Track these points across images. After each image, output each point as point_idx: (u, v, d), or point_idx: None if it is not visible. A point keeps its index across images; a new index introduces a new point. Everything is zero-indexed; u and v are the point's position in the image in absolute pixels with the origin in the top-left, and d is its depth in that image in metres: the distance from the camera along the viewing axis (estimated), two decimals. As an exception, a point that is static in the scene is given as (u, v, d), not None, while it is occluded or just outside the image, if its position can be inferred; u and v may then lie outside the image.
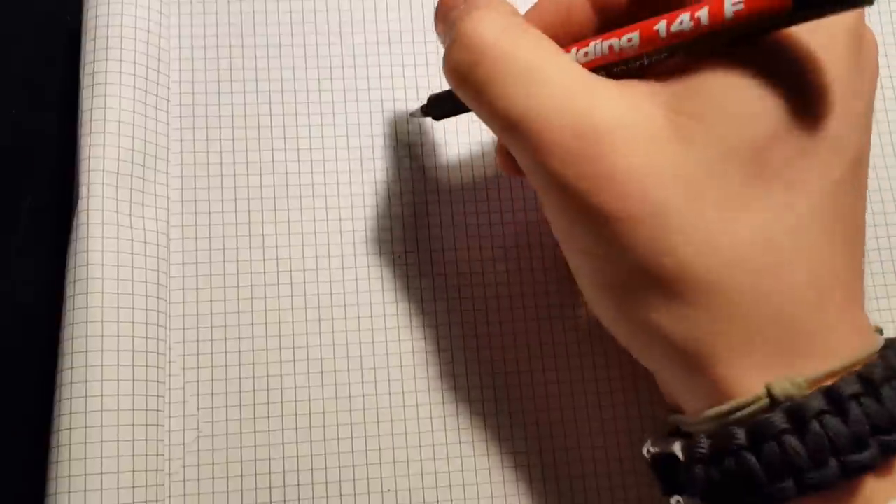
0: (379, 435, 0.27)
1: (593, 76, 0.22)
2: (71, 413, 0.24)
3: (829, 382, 0.20)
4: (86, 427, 0.24)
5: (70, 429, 0.24)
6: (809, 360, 0.20)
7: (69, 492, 0.24)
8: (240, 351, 0.27)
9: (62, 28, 0.31)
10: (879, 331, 0.22)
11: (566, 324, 0.29)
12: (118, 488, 0.24)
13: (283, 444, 0.26)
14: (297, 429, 0.27)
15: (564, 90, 0.21)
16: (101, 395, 0.25)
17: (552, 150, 0.21)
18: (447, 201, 0.30)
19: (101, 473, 0.24)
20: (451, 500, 0.27)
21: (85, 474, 0.24)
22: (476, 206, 0.30)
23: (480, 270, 0.29)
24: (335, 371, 0.27)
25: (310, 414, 0.27)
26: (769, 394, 0.20)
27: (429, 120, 0.30)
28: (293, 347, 0.27)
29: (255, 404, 0.27)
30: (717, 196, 0.20)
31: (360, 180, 0.29)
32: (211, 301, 0.28)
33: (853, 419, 0.19)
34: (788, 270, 0.20)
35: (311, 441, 0.27)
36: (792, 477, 0.19)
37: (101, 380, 0.25)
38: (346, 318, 0.28)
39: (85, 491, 0.24)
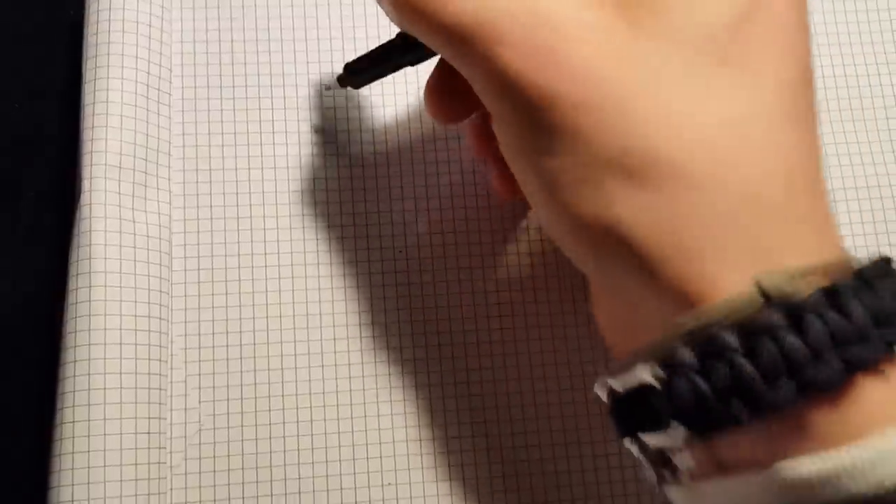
0: (379, 429, 0.27)
1: None
2: (74, 406, 0.25)
3: (815, 279, 0.18)
4: (88, 420, 0.24)
5: (73, 422, 0.24)
6: (789, 254, 0.19)
7: (72, 484, 0.24)
8: (241, 344, 0.27)
9: (65, 22, 0.31)
10: None
11: (564, 307, 0.29)
12: (121, 480, 0.24)
13: (283, 436, 0.27)
14: (297, 422, 0.27)
15: None
16: (104, 388, 0.25)
17: (508, 48, 0.20)
18: (447, 196, 0.30)
19: (104, 466, 0.24)
20: (451, 494, 0.27)
21: (88, 467, 0.24)
22: (475, 189, 0.30)
23: (493, 264, 0.29)
24: (335, 365, 0.27)
25: (310, 407, 0.27)
26: (761, 291, 0.18)
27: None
28: (294, 341, 0.28)
29: (256, 397, 0.27)
30: (680, 82, 0.20)
31: (360, 175, 0.30)
32: (212, 294, 0.28)
33: (856, 315, 0.17)
34: (760, 157, 0.19)
35: (311, 434, 0.27)
36: (792, 377, 0.17)
37: (104, 373, 0.25)
38: (346, 313, 0.28)
39: (88, 483, 0.24)
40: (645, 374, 0.19)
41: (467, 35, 0.21)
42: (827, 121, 0.32)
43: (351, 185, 0.29)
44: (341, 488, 0.26)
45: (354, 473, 0.27)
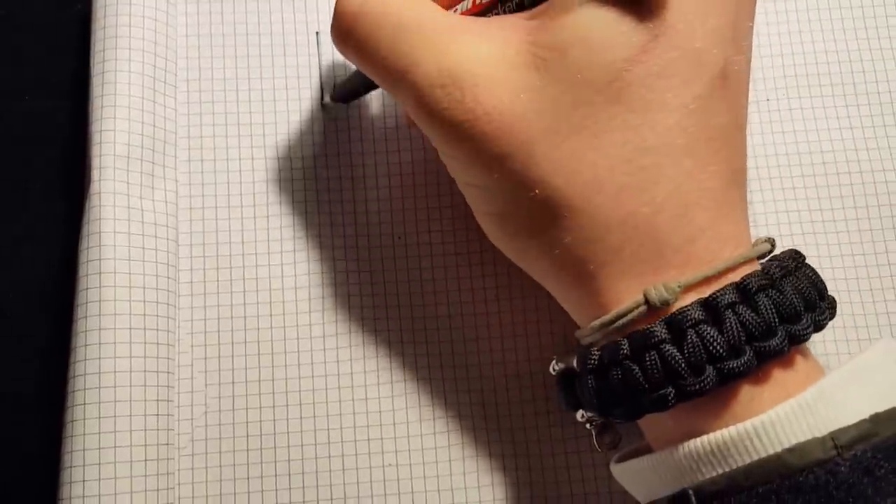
0: (380, 411, 0.27)
1: (460, 19, 0.23)
2: (84, 389, 0.25)
3: (705, 288, 0.21)
4: (99, 403, 0.25)
5: (84, 404, 0.25)
6: (677, 269, 0.21)
7: (84, 465, 0.24)
8: (245, 329, 0.28)
9: (73, 16, 0.31)
10: (770, 242, 0.23)
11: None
12: (131, 461, 0.25)
13: (287, 418, 0.27)
14: (300, 404, 0.27)
15: (430, 40, 0.22)
16: (114, 372, 0.25)
17: (425, 100, 0.22)
18: (446, 183, 0.30)
19: (115, 447, 0.25)
20: (450, 475, 0.27)
21: (99, 448, 0.25)
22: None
23: (491, 248, 0.29)
24: (337, 348, 0.28)
25: (313, 390, 0.27)
26: (646, 300, 0.21)
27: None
28: (297, 325, 0.28)
29: (260, 380, 0.27)
30: (577, 123, 0.21)
31: (360, 163, 0.30)
32: (217, 281, 0.28)
33: (728, 328, 0.20)
34: (650, 187, 0.21)
35: (314, 416, 0.27)
36: (671, 384, 0.20)
37: (114, 357, 0.25)
38: (348, 295, 0.28)
39: (99, 464, 0.25)
40: (574, 362, 0.23)
41: (394, 83, 0.23)
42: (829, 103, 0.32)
43: (351, 173, 0.30)
44: (343, 469, 0.27)
45: (356, 454, 0.27)
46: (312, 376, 0.28)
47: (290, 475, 0.27)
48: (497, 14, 0.23)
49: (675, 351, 0.20)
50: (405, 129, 0.30)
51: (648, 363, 0.20)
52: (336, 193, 0.30)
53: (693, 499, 0.20)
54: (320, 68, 0.31)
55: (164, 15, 0.29)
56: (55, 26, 0.31)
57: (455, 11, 0.24)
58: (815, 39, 0.33)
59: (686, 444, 0.20)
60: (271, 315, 0.28)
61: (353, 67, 0.27)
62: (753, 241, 0.23)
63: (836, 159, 0.31)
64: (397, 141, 0.30)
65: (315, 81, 0.30)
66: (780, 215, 0.31)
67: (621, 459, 0.24)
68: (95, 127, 0.27)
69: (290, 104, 0.30)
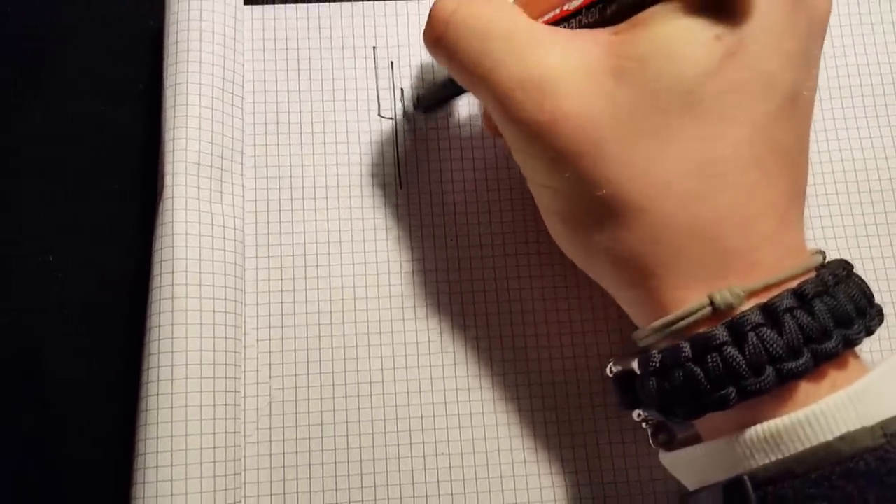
0: (433, 403, 0.29)
1: (545, 29, 0.23)
2: (158, 381, 0.26)
3: (764, 295, 0.21)
4: (171, 393, 0.26)
5: (157, 395, 0.26)
6: (739, 276, 0.22)
7: (157, 451, 0.26)
8: (307, 325, 0.29)
9: (147, 30, 0.32)
10: (822, 254, 0.23)
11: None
12: (201, 448, 0.26)
13: (346, 409, 0.28)
14: (358, 396, 0.28)
15: (514, 46, 0.23)
16: (185, 365, 0.26)
17: (506, 101, 0.23)
18: (495, 189, 0.31)
19: (186, 435, 0.26)
20: (500, 464, 0.28)
21: (171, 436, 0.26)
22: (522, 182, 0.31)
23: (536, 252, 0.30)
24: (392, 343, 0.29)
25: (370, 382, 0.29)
26: (711, 303, 0.21)
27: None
28: (355, 322, 0.29)
29: (320, 373, 0.29)
30: (650, 129, 0.22)
31: (415, 170, 0.31)
32: (281, 280, 0.29)
33: (788, 331, 0.21)
34: (716, 195, 0.22)
35: (371, 407, 0.28)
36: (733, 384, 0.21)
37: (185, 350, 0.26)
38: (402, 296, 0.30)
39: (171, 451, 0.26)
40: (634, 365, 0.24)
41: (480, 84, 0.24)
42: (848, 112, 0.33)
43: (406, 179, 0.31)
44: (399, 457, 0.28)
45: (410, 444, 0.28)
46: (370, 370, 0.29)
47: (348, 462, 0.28)
48: (579, 20, 0.24)
49: (736, 352, 0.21)
50: (458, 137, 0.31)
51: (710, 364, 0.21)
52: (391, 198, 0.31)
53: (748, 484, 0.21)
54: (377, 80, 0.32)
55: (232, 31, 0.31)
56: (130, 40, 0.32)
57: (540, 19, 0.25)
58: (847, 54, 0.34)
59: (741, 432, 0.21)
60: (331, 312, 0.29)
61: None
62: None
63: (866, 167, 0.32)
64: (449, 150, 0.31)
65: (372, 93, 0.32)
66: (811, 220, 0.31)
67: (668, 448, 0.25)
68: (168, 136, 0.28)
69: (348, 115, 0.31)
